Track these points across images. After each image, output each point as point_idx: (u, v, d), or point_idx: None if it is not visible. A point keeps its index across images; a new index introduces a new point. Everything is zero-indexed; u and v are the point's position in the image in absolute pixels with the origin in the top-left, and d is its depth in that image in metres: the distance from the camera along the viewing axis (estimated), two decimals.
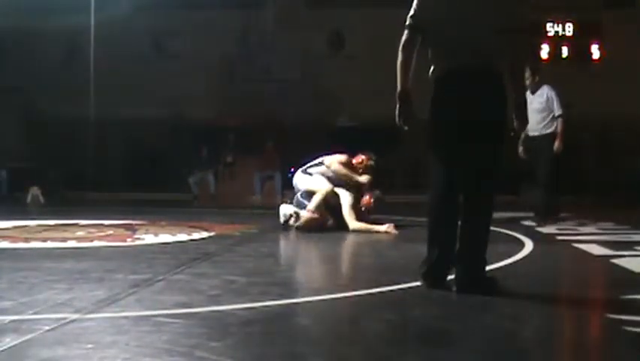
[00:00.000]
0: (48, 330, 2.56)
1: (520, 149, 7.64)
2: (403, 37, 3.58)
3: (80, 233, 6.31)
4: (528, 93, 7.49)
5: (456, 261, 3.48)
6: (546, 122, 7.48)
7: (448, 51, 3.53)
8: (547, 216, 7.45)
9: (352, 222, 6.68)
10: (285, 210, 7.01)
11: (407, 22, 3.58)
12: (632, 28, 15.20)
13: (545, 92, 7.52)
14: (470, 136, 3.44)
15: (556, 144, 7.40)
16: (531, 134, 7.50)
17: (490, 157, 3.50)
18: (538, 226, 7.12)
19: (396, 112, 3.59)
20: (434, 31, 3.55)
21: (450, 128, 3.48)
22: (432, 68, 3.59)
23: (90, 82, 15.66)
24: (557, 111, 7.45)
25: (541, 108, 7.47)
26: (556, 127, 7.46)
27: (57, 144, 15.72)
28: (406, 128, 3.60)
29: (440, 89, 3.53)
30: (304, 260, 5.51)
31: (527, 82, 7.45)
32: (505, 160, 3.58)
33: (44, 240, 5.71)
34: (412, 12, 3.58)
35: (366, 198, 6.99)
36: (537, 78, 7.61)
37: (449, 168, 3.49)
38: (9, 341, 2.39)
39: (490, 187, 3.53)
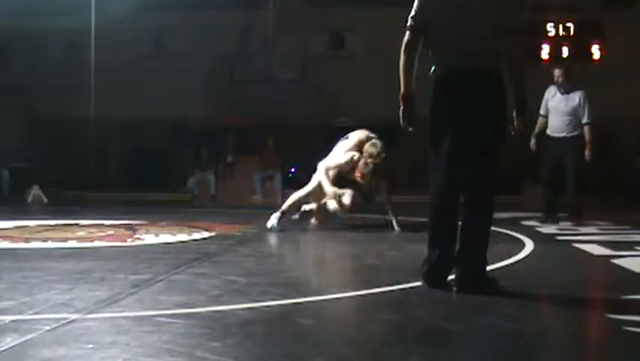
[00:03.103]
0: (48, 330, 2.56)
1: (533, 142, 7.48)
2: (405, 39, 3.59)
3: (81, 233, 6.31)
4: (556, 92, 7.44)
5: (456, 261, 3.49)
6: (573, 125, 7.34)
7: (448, 51, 3.54)
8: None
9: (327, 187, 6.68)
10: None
11: (408, 24, 3.59)
12: (633, 28, 15.19)
13: (579, 96, 7.36)
14: (470, 136, 3.44)
15: (587, 152, 7.27)
16: (556, 135, 7.39)
17: (490, 157, 3.50)
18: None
19: (400, 113, 3.60)
20: (434, 31, 3.56)
21: (450, 128, 3.48)
22: (432, 68, 3.59)
23: (90, 82, 15.66)
24: (588, 119, 7.31)
25: (569, 111, 7.34)
26: (582, 131, 7.32)
27: (57, 144, 15.72)
28: (410, 129, 3.61)
29: (440, 89, 3.53)
30: (304, 260, 5.51)
31: (560, 80, 7.40)
32: (505, 160, 3.58)
33: (45, 240, 5.71)
34: (412, 13, 3.59)
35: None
36: (570, 78, 7.48)
37: (449, 168, 3.49)
38: (10, 341, 2.39)
39: (490, 187, 3.53)
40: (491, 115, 3.47)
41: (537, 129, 7.51)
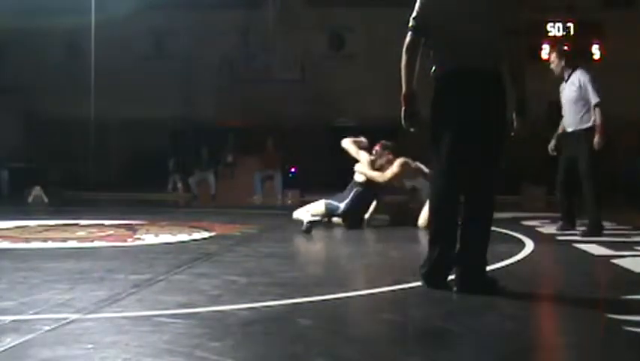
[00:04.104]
0: (48, 330, 2.56)
1: (552, 143, 6.57)
2: (406, 39, 3.59)
3: (81, 233, 6.31)
4: (563, 82, 6.47)
5: (456, 261, 3.49)
6: (582, 114, 6.23)
7: (449, 51, 3.54)
8: (596, 228, 6.16)
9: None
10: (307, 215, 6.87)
11: (410, 24, 3.59)
12: (633, 28, 15.21)
13: (577, 77, 6.28)
14: (471, 136, 3.45)
15: (596, 139, 6.08)
16: (567, 129, 6.41)
17: (490, 157, 3.51)
18: (583, 235, 6.08)
19: (402, 114, 3.60)
20: (435, 31, 3.56)
21: (450, 128, 3.48)
22: (433, 68, 3.59)
23: (90, 82, 15.67)
24: (593, 99, 6.13)
25: (574, 97, 6.27)
26: (594, 120, 6.14)
27: (57, 144, 15.72)
28: (411, 129, 3.61)
29: (441, 89, 3.53)
30: (305, 260, 5.50)
31: (552, 66, 6.47)
32: (505, 160, 3.58)
33: (45, 240, 5.71)
34: (414, 14, 3.59)
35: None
36: (563, 62, 6.38)
37: (450, 168, 3.49)
38: (9, 341, 2.39)
39: (490, 187, 3.54)
40: (492, 115, 3.47)
41: (559, 130, 6.59)
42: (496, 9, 3.52)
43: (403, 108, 3.60)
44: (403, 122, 3.63)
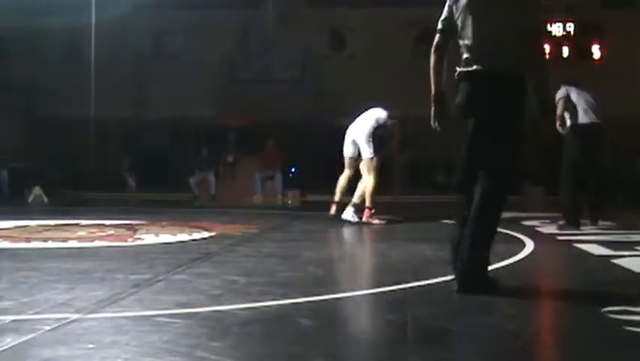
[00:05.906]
0: (49, 330, 2.57)
1: None
2: (435, 41, 3.65)
3: (81, 233, 6.32)
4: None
5: (458, 260, 3.48)
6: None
7: (472, 53, 3.54)
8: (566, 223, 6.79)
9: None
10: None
11: (438, 27, 3.65)
12: (633, 28, 15.21)
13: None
14: (490, 136, 3.45)
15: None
16: None
17: (507, 158, 3.51)
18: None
19: (432, 113, 3.62)
20: (461, 33, 3.58)
21: (472, 127, 3.49)
22: (457, 68, 3.61)
23: (90, 82, 15.67)
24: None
25: None
26: (571, 120, 6.70)
27: (57, 144, 15.72)
28: (439, 129, 3.62)
29: (463, 90, 3.54)
30: (304, 260, 5.50)
31: None
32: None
33: (45, 240, 5.71)
34: (442, 16, 3.64)
35: None
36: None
37: (471, 168, 3.50)
38: (10, 341, 2.40)
39: (503, 189, 3.53)
40: (512, 116, 3.48)
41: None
42: (518, 11, 3.54)
43: (433, 109, 3.62)
44: (432, 122, 3.64)
